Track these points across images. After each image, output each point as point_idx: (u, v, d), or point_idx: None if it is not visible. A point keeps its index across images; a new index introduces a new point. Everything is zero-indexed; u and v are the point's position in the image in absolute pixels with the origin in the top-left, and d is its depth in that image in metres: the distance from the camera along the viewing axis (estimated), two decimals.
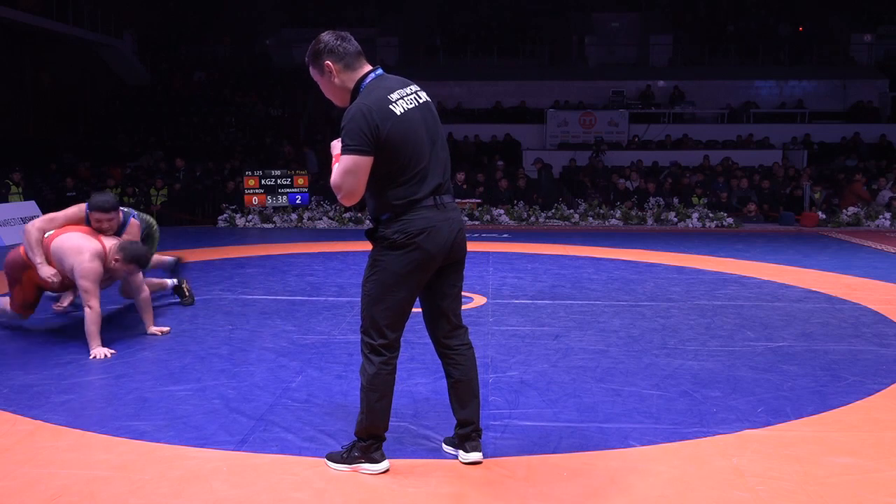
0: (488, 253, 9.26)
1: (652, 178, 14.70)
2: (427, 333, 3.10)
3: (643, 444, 3.25)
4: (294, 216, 13.08)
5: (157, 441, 3.25)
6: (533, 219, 13.16)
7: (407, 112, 2.83)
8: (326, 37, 2.90)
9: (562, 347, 4.84)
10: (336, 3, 23.77)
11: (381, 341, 2.89)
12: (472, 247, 9.27)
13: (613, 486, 2.88)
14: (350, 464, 2.97)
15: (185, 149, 17.69)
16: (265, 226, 12.84)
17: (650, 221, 13.11)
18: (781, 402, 3.78)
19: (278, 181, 13.13)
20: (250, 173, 13.22)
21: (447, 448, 3.16)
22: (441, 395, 3.85)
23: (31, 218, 10.85)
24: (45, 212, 11.38)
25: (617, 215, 13.31)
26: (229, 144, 18.36)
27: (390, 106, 2.80)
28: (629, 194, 14.06)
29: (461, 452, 3.06)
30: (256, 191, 13.04)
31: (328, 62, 2.87)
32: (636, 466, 3.03)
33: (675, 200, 13.77)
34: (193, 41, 23.07)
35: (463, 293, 3.12)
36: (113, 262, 4.73)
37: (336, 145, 2.84)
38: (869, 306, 6.17)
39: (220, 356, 4.59)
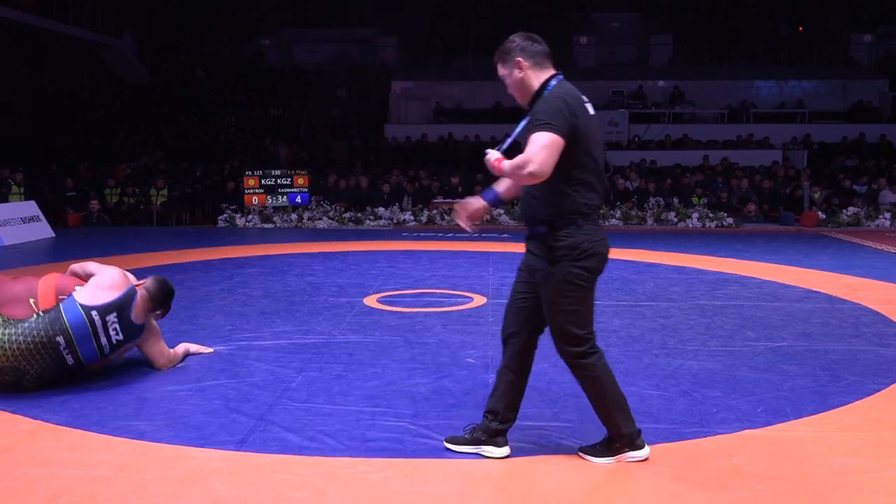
0: (488, 253, 9.24)
1: (653, 179, 14.70)
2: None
3: None
4: (294, 216, 13.08)
5: (158, 441, 3.25)
6: None
7: (593, 116, 2.93)
8: (518, 37, 2.99)
9: None
10: (336, 3, 23.78)
11: (588, 344, 2.98)
12: (472, 247, 9.30)
13: (613, 485, 2.89)
14: (612, 455, 3.04)
15: (185, 149, 17.71)
16: (265, 226, 12.84)
17: (650, 221, 13.11)
18: (781, 402, 3.78)
19: (278, 181, 13.13)
20: (250, 173, 13.22)
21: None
22: (441, 395, 3.85)
23: (32, 218, 10.98)
24: (44, 211, 11.46)
25: (617, 215, 13.31)
26: (229, 144, 18.37)
27: (585, 104, 2.90)
28: (629, 194, 14.06)
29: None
30: (256, 191, 13.04)
31: (520, 59, 2.95)
32: (636, 466, 3.03)
33: (675, 200, 13.77)
34: (193, 41, 23.09)
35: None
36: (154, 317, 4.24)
37: (492, 157, 2.85)
38: (869, 306, 6.16)
39: (220, 356, 4.59)
